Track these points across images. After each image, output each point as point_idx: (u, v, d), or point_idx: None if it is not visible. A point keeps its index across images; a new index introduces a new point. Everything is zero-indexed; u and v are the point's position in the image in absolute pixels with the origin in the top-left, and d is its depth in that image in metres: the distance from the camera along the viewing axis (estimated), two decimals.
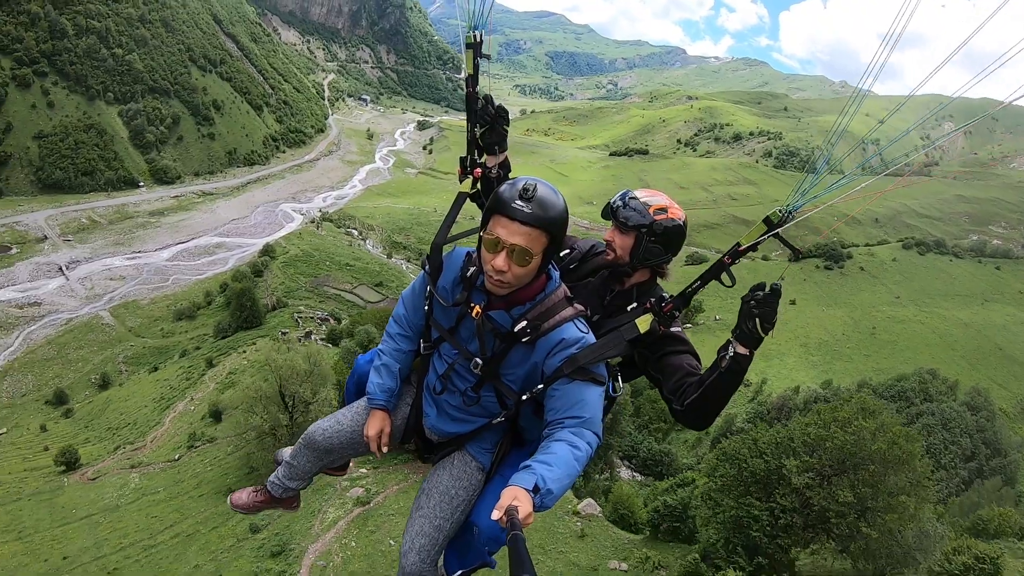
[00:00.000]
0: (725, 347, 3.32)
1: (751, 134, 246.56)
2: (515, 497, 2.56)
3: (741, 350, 3.26)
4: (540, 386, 3.26)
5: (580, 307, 3.32)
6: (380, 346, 3.88)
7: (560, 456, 2.94)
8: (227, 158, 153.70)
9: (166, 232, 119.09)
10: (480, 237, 3.15)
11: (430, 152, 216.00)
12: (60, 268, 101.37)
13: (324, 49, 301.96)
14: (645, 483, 45.86)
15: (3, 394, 75.69)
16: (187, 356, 76.51)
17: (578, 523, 31.09)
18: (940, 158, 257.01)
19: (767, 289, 3.21)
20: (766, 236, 3.37)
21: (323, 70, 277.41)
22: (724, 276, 3.48)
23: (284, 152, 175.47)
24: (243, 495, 4.42)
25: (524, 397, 3.34)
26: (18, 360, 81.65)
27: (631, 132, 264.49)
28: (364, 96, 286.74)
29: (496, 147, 3.93)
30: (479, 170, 3.92)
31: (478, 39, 3.96)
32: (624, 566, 27.49)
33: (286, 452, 4.33)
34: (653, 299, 3.54)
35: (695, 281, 3.52)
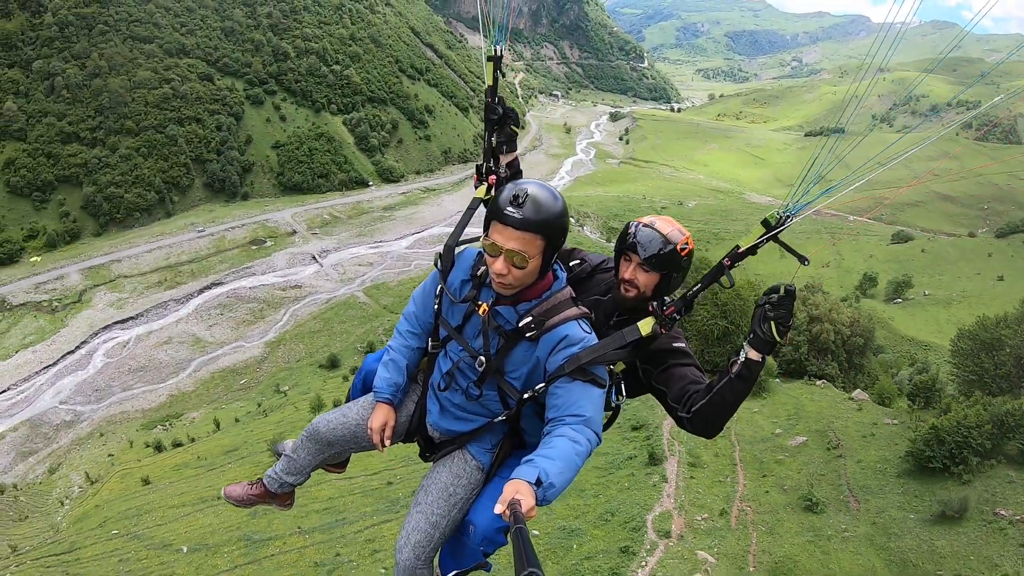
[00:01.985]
0: (736, 352, 3.31)
1: (948, 105, 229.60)
2: (517, 491, 2.54)
3: (754, 355, 3.24)
4: (542, 385, 3.29)
5: (584, 309, 3.37)
6: (390, 342, 3.96)
7: (561, 450, 2.94)
8: (443, 157, 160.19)
9: (401, 224, 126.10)
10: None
11: (627, 142, 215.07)
12: (313, 256, 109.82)
13: (510, 50, 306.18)
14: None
15: (280, 359, 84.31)
16: None
17: (855, 404, 40.93)
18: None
19: (781, 291, 3.18)
20: (764, 239, 3.31)
21: (512, 70, 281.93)
22: (723, 279, 3.42)
23: None
24: (238, 488, 4.41)
25: (525, 396, 3.37)
26: (288, 332, 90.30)
27: (824, 110, 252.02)
28: (555, 92, 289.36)
29: (504, 147, 3.99)
30: (494, 177, 3.94)
31: (499, 53, 4.05)
32: (894, 421, 37.65)
33: (288, 445, 4.36)
34: (655, 302, 3.50)
35: (695, 285, 3.43)
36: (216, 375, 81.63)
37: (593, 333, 3.32)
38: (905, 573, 25.25)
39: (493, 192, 3.89)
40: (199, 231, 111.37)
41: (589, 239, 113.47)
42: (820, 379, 47.16)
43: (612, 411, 3.77)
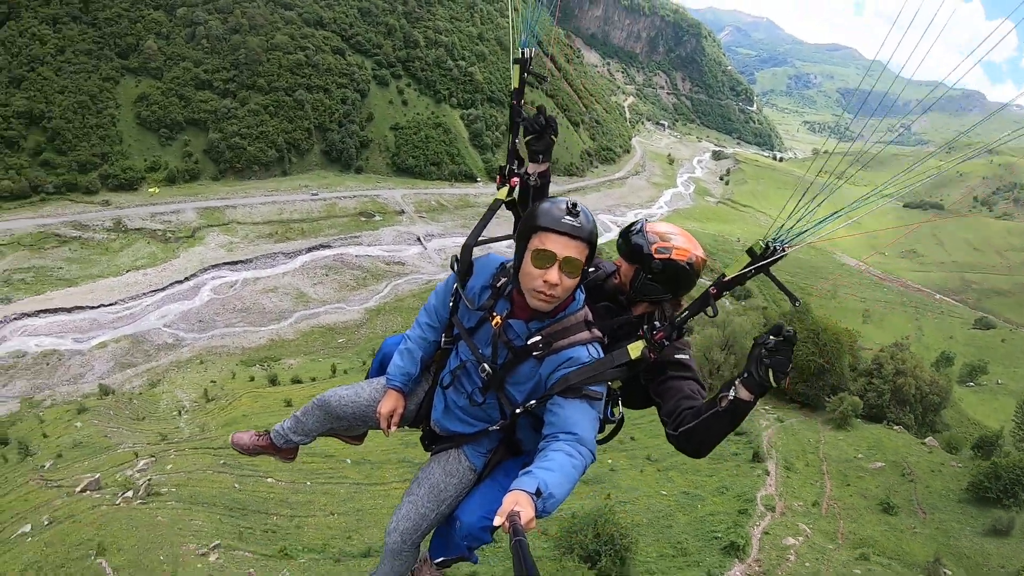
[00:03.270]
0: (728, 386, 3.14)
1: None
2: (517, 502, 2.53)
3: (745, 395, 3.07)
4: (533, 402, 3.32)
5: (598, 333, 3.36)
6: (408, 332, 3.98)
7: (559, 463, 2.93)
8: (551, 167, 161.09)
9: (505, 223, 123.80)
10: (524, 254, 3.18)
11: (727, 183, 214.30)
12: (418, 238, 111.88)
13: (623, 72, 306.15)
14: None
15: (378, 327, 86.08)
16: None
17: (926, 448, 44.78)
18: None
19: (781, 335, 2.95)
20: (750, 269, 3.12)
21: (623, 92, 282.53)
22: (708, 308, 3.28)
23: (597, 168, 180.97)
24: (245, 436, 4.55)
25: (518, 411, 3.40)
26: (388, 304, 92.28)
27: (924, 184, 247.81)
28: (662, 121, 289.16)
29: (541, 155, 4.00)
30: (516, 179, 4.02)
31: (526, 56, 4.10)
32: (959, 464, 41.19)
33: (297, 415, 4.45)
34: (646, 326, 3.43)
35: (684, 311, 3.37)
36: (316, 330, 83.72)
37: (607, 357, 3.31)
38: (960, 560, 29.74)
39: (515, 195, 4.04)
40: (312, 194, 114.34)
41: None
42: (897, 425, 50.84)
43: (616, 424, 3.82)
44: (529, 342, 3.27)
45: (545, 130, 3.95)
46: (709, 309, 3.25)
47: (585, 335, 3.30)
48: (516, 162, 4.12)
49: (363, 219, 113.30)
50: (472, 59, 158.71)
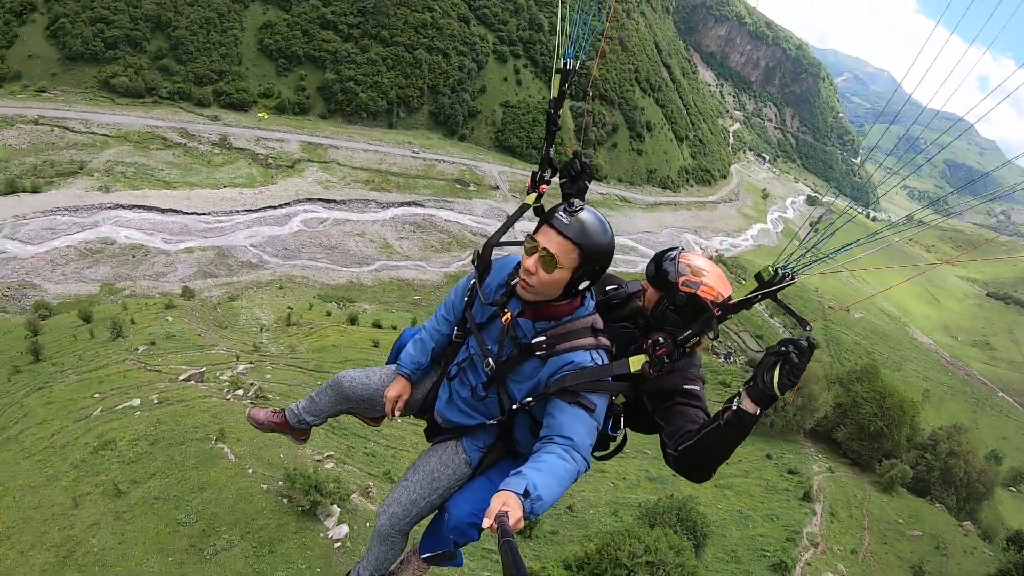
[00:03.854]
0: (731, 399, 3.03)
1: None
2: (505, 503, 2.52)
3: (749, 406, 2.94)
4: (530, 399, 3.28)
5: (604, 341, 3.29)
6: (425, 323, 3.98)
7: (550, 465, 2.90)
8: (647, 175, 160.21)
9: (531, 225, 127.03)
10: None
11: (816, 231, 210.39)
12: (507, 215, 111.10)
13: (734, 97, 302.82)
14: None
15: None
16: None
17: (963, 531, 46.43)
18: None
19: (802, 343, 2.81)
20: (756, 295, 3.00)
21: (731, 117, 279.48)
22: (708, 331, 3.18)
23: (692, 187, 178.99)
24: (261, 412, 4.57)
25: (515, 407, 3.37)
26: (466, 272, 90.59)
27: (1015, 276, 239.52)
28: (764, 155, 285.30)
29: (573, 198, 3.52)
30: (545, 186, 3.97)
31: (569, 67, 4.07)
32: (992, 553, 42.91)
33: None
34: (650, 340, 3.27)
35: (687, 330, 3.18)
36: (394, 281, 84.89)
37: (606, 365, 3.24)
38: None
39: (543, 200, 3.92)
40: (414, 152, 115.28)
41: (755, 308, 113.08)
42: (939, 503, 52.45)
43: (618, 444, 3.72)
44: (533, 341, 3.25)
45: (580, 175, 3.85)
46: (709, 331, 3.18)
47: (589, 341, 3.25)
48: (548, 170, 4.07)
49: (458, 186, 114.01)
50: (592, 53, 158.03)
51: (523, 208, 3.98)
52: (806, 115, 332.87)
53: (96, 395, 22.11)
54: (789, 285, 2.96)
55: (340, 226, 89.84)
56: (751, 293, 3.01)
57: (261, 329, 50.73)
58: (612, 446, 3.73)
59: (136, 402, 20.20)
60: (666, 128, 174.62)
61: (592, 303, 3.41)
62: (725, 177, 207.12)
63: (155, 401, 20.38)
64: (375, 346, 46.17)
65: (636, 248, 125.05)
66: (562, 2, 3.98)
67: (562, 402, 3.13)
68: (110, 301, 54.70)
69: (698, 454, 3.16)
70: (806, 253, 2.96)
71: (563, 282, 3.11)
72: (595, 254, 3.05)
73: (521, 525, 2.49)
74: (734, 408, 2.98)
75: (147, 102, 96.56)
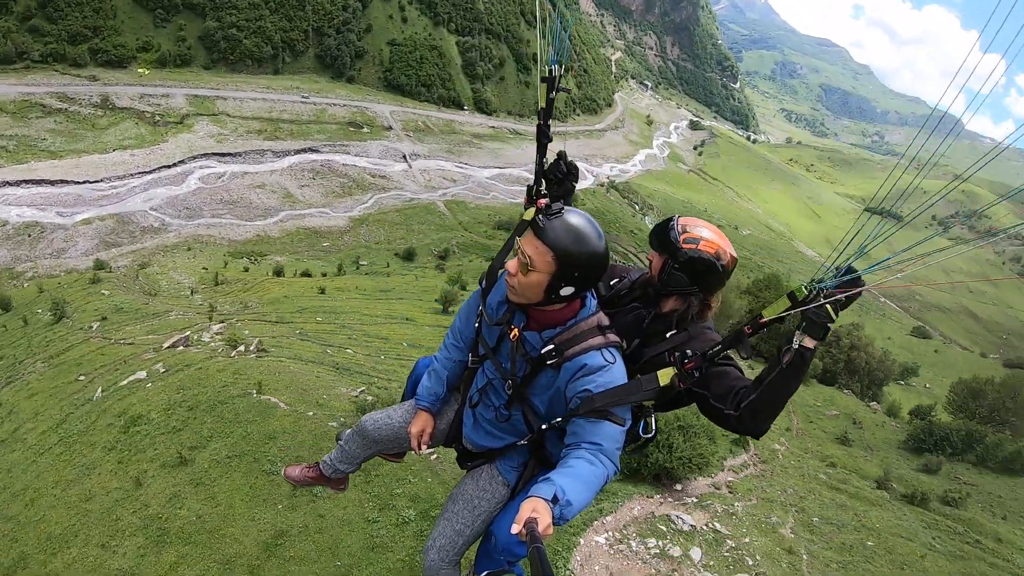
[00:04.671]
0: (788, 340, 3.10)
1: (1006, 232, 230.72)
2: (534, 509, 2.56)
3: (808, 343, 3.05)
4: (559, 420, 3.31)
5: (613, 337, 3.30)
6: (436, 353, 4.05)
7: (579, 471, 2.95)
8: (535, 107, 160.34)
9: (486, 155, 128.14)
10: None
11: (700, 154, 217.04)
12: (404, 156, 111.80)
13: (615, 27, 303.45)
14: None
15: (361, 236, 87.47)
16: None
17: (871, 409, 51.59)
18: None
19: (854, 274, 3.04)
20: (789, 313, 3.07)
21: (612, 46, 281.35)
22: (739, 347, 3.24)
23: (579, 116, 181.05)
24: (296, 470, 4.77)
25: (544, 427, 3.42)
26: (372, 216, 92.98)
27: (887, 193, 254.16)
28: (646, 82, 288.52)
29: (562, 201, 3.61)
30: (543, 200, 3.82)
31: (554, 74, 3.91)
32: (898, 424, 49.30)
33: (346, 433, 4.57)
34: (678, 353, 3.32)
35: (716, 345, 3.26)
36: (301, 231, 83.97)
37: (619, 361, 3.28)
38: (900, 482, 32.47)
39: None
40: (304, 97, 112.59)
41: (648, 229, 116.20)
42: (847, 389, 58.41)
43: (644, 441, 3.68)
44: (543, 351, 3.26)
45: (567, 177, 3.99)
46: (741, 350, 3.24)
47: (599, 340, 3.25)
48: (543, 182, 4.07)
49: (352, 129, 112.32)
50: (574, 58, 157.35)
51: (523, 225, 3.66)
52: (686, 43, 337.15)
53: (81, 377, 21.82)
54: (821, 304, 3.00)
55: (239, 179, 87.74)
56: (784, 312, 3.07)
57: (191, 292, 49.68)
58: (634, 446, 3.70)
59: (142, 374, 20.00)
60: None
61: (594, 302, 3.43)
62: (610, 105, 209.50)
63: (162, 370, 20.19)
64: (322, 292, 46.62)
65: (530, 179, 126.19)
66: (540, 8, 3.88)
67: (587, 419, 3.16)
68: (14, 287, 52.30)
69: (764, 404, 3.19)
70: (842, 269, 3.09)
71: (541, 286, 3.11)
72: (572, 260, 3.02)
73: (551, 531, 2.52)
74: (795, 347, 3.05)
75: (19, 67, 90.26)
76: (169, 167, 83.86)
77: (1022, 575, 19.57)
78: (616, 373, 3.21)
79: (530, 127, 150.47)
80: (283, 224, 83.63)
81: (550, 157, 4.19)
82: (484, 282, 3.67)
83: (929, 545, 19.05)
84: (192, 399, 17.14)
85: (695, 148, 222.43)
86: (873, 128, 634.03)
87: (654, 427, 3.53)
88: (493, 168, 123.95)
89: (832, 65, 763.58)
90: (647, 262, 3.76)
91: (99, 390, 19.68)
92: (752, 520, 15.40)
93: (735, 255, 3.63)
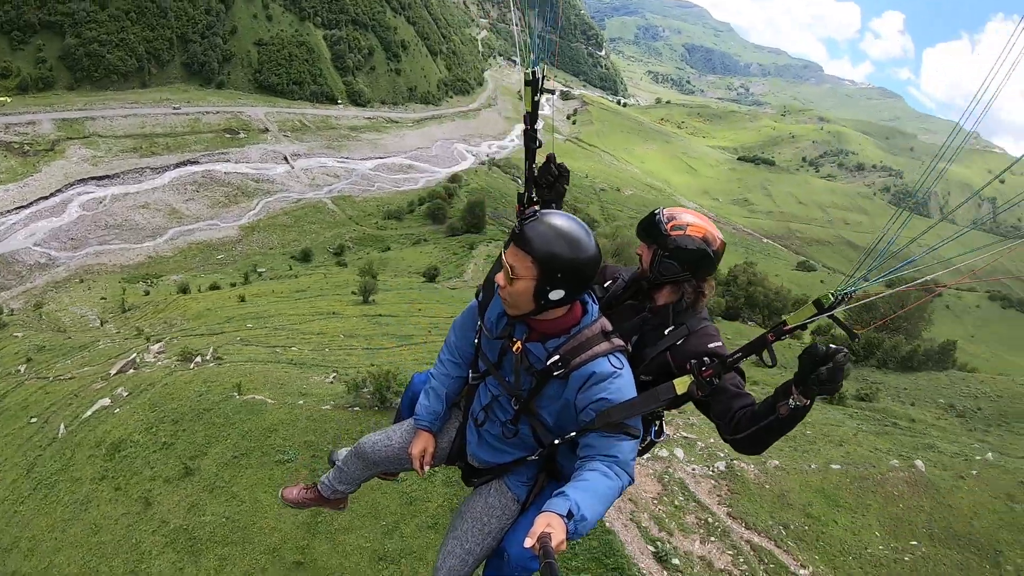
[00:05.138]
0: (787, 392, 3.07)
1: (873, 167, 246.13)
2: (548, 524, 2.49)
3: (804, 401, 3.04)
4: (573, 434, 3.22)
5: (619, 342, 3.22)
6: (431, 369, 3.93)
7: (594, 484, 2.89)
8: (408, 93, 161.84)
9: (366, 146, 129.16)
10: None
11: (574, 122, 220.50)
12: (285, 157, 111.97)
13: (478, 5, 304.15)
14: None
15: (254, 244, 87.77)
16: (429, 243, 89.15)
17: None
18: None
19: (835, 360, 2.92)
20: (815, 319, 3.06)
21: (477, 25, 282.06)
22: (765, 354, 3.23)
23: (452, 98, 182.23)
24: (294, 491, 4.66)
25: (557, 441, 3.32)
26: (262, 221, 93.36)
27: (759, 141, 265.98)
28: (513, 58, 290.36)
29: (553, 204, 3.79)
30: (537, 207, 3.62)
31: (537, 76, 3.78)
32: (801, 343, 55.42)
33: (341, 453, 4.49)
34: (694, 361, 3.30)
35: (737, 352, 3.29)
36: (193, 246, 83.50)
37: (626, 367, 3.22)
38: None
39: None
40: (175, 108, 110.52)
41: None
42: (750, 321, 62.56)
43: (651, 442, 3.80)
44: (548, 363, 3.16)
45: (558, 180, 3.81)
46: (767, 356, 3.20)
47: (605, 346, 3.16)
48: (536, 189, 3.86)
49: (228, 136, 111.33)
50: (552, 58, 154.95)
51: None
52: (550, 16, 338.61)
53: (33, 420, 21.51)
54: (846, 307, 2.98)
55: (120, 201, 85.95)
56: (810, 318, 3.03)
57: (101, 323, 49.25)
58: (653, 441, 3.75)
59: (106, 401, 20.02)
60: (420, 45, 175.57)
61: (596, 307, 3.30)
62: (481, 84, 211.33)
63: (125, 394, 20.26)
64: (242, 300, 47.12)
65: (413, 165, 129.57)
66: (519, 10, 3.92)
67: (602, 433, 3.09)
68: None
69: (761, 442, 3.23)
70: (869, 276, 3.00)
71: (528, 292, 3.01)
72: (553, 262, 2.91)
73: (564, 547, 2.46)
74: (792, 405, 3.01)
75: None
76: (47, 198, 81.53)
77: (937, 441, 22.45)
78: (626, 379, 3.17)
79: (404, 114, 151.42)
80: (173, 242, 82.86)
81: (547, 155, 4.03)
82: (481, 295, 3.58)
83: (857, 428, 21.97)
84: (173, 413, 18.02)
85: (568, 117, 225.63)
86: (738, 81, 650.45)
87: (665, 430, 3.67)
88: (375, 159, 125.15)
89: (693, 25, 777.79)
90: (637, 257, 3.79)
91: (62, 426, 19.84)
92: (709, 427, 16.89)
93: (723, 239, 3.69)
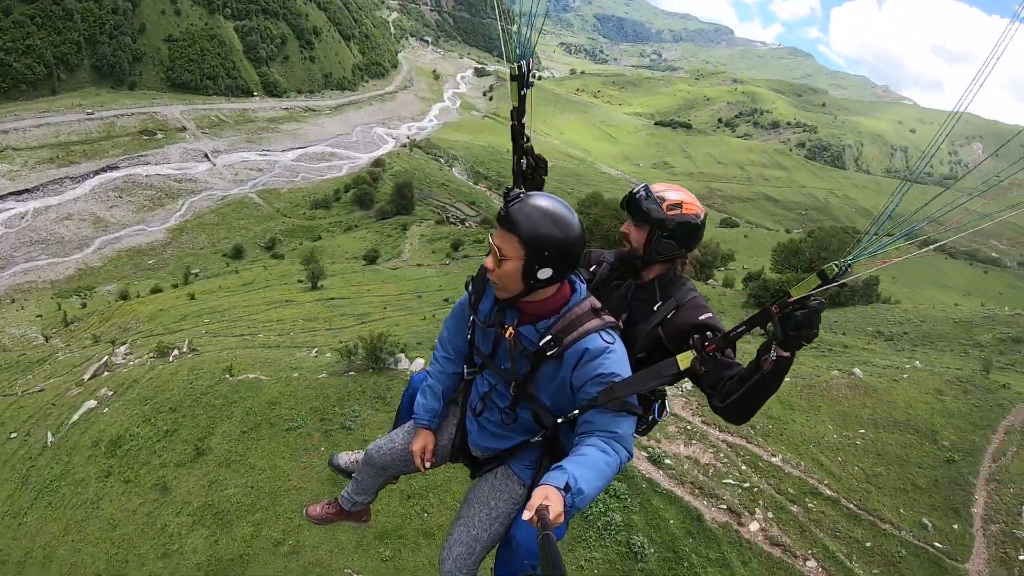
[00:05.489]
0: (768, 348, 3.09)
1: (788, 124, 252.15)
2: (546, 496, 2.48)
3: (784, 354, 3.06)
4: (576, 412, 3.16)
5: (609, 318, 3.23)
6: (428, 368, 3.94)
7: (591, 459, 2.87)
8: (323, 80, 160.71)
9: (286, 137, 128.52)
10: None
11: (490, 99, 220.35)
12: (206, 155, 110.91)
13: None
14: None
15: (184, 245, 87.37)
16: (360, 228, 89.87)
17: (708, 286, 56.07)
18: (962, 174, 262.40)
19: (810, 305, 2.95)
20: (820, 290, 3.00)
21: (387, 7, 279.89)
22: (770, 326, 3.11)
23: (368, 82, 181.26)
24: (318, 508, 4.67)
25: (560, 420, 3.27)
26: (189, 222, 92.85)
27: (675, 105, 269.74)
28: (426, 38, 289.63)
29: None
30: (520, 190, 3.40)
31: (523, 70, 3.67)
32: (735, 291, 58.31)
33: (341, 458, 4.68)
34: (697, 336, 3.28)
35: (740, 326, 3.21)
36: (123, 254, 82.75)
37: (618, 341, 3.21)
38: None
39: None
40: (88, 113, 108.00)
41: (458, 179, 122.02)
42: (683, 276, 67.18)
43: (653, 422, 3.75)
44: (541, 344, 3.16)
45: (536, 171, 3.82)
46: (770, 326, 3.10)
47: (595, 322, 3.16)
48: (523, 183, 3.83)
49: (145, 138, 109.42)
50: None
51: None
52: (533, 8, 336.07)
53: (13, 435, 21.51)
54: (848, 279, 2.98)
55: (43, 215, 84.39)
56: (815, 289, 2.99)
57: (46, 339, 48.94)
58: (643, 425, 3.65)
59: (91, 403, 20.40)
60: (332, 30, 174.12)
61: (584, 286, 3.32)
62: (395, 67, 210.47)
63: (110, 394, 20.54)
64: (192, 298, 47.41)
65: (335, 153, 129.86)
66: (501, 5, 3.81)
67: (604, 409, 3.06)
68: None
69: (746, 404, 3.25)
70: (868, 249, 2.94)
71: (516, 273, 3.03)
72: (539, 241, 2.93)
73: (562, 520, 2.44)
74: (773, 358, 3.05)
75: None
76: None
77: (870, 358, 24.97)
78: (619, 353, 3.17)
79: (321, 102, 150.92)
80: (102, 251, 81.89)
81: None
82: (471, 288, 3.56)
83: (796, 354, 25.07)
84: (168, 402, 18.71)
85: (485, 94, 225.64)
86: (651, 48, 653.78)
87: (668, 409, 3.64)
88: (296, 150, 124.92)
89: None
90: (622, 237, 3.77)
91: (49, 435, 19.96)
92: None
93: (705, 210, 3.73)
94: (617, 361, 3.13)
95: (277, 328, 32.56)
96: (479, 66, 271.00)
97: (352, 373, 18.80)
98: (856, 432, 18.16)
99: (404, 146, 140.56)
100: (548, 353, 3.15)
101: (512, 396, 3.39)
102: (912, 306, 46.90)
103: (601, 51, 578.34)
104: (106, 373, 23.62)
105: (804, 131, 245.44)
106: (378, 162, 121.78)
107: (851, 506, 15.75)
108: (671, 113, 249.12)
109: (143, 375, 21.35)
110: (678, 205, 3.57)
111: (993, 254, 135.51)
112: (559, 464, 2.77)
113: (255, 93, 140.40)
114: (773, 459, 16.66)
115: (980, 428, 18.61)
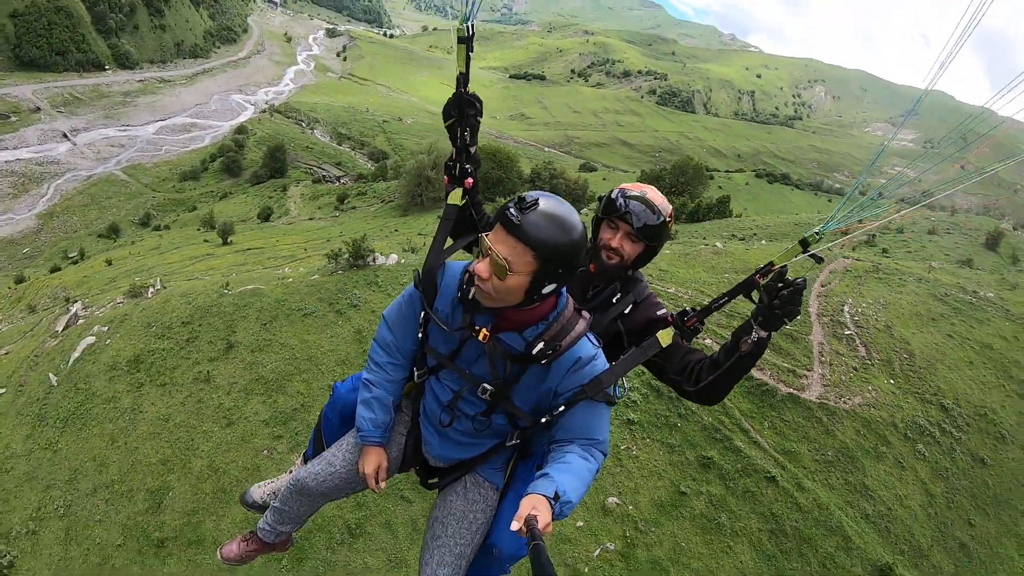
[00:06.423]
0: (747, 330, 3.08)
1: (639, 72, 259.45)
2: (534, 506, 2.39)
3: (763, 334, 3.04)
4: (561, 408, 2.97)
5: (587, 315, 3.04)
6: (366, 375, 3.44)
7: (575, 467, 2.78)
8: (176, 49, 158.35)
9: (145, 110, 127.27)
10: None
11: (345, 59, 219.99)
12: (64, 134, 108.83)
13: None
14: None
15: (57, 230, 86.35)
16: (236, 195, 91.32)
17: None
18: (807, 115, 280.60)
19: (794, 283, 2.94)
20: (799, 257, 3.10)
21: None
22: (755, 293, 3.10)
23: (219, 48, 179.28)
24: (233, 546, 4.15)
25: (544, 420, 3.05)
26: (58, 206, 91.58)
27: (529, 58, 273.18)
28: (274, 0, 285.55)
29: (469, 168, 3.47)
30: (471, 180, 3.46)
31: (470, 32, 3.29)
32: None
33: (255, 493, 4.28)
34: (675, 313, 3.31)
35: (722, 296, 3.21)
36: None
37: (639, 350, 3.17)
38: None
39: (469, 198, 3.52)
40: None
41: (321, 141, 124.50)
42: None
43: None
44: (534, 351, 2.87)
45: (469, 107, 3.38)
46: (755, 294, 3.08)
47: (582, 324, 2.95)
48: (466, 157, 3.44)
49: None
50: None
51: (451, 211, 3.44)
52: None
53: (2, 391, 20.35)
54: (824, 246, 3.02)
55: None
56: (797, 257, 3.07)
57: None
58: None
59: (90, 339, 20.24)
60: None
61: (564, 288, 3.00)
62: (246, 31, 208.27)
63: (105, 329, 20.70)
64: (110, 264, 48.34)
65: (196, 123, 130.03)
66: None
67: (589, 401, 2.94)
68: None
69: (721, 386, 3.21)
70: (839, 216, 3.01)
71: (521, 289, 2.70)
72: (554, 256, 2.60)
73: (550, 529, 2.34)
74: (753, 340, 3.03)
75: None
76: None
77: (747, 257, 29.83)
78: (602, 356, 3.02)
79: (176, 71, 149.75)
80: None
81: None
82: (422, 287, 3.13)
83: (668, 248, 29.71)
84: (176, 320, 19.59)
85: (338, 55, 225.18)
86: (501, 2, 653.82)
87: (627, 386, 3.40)
88: (156, 122, 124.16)
89: None
90: (607, 250, 3.52)
91: (51, 376, 19.35)
92: None
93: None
94: (603, 363, 3.02)
95: (211, 278, 32.02)
96: (330, 27, 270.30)
97: (340, 272, 22.09)
98: (722, 276, 25.38)
99: (264, 112, 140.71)
100: (541, 360, 2.90)
101: (487, 403, 3.10)
102: (760, 218, 55.38)
103: (451, 7, 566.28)
104: (81, 322, 23.41)
105: (655, 79, 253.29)
106: (241, 129, 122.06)
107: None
108: (525, 66, 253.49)
109: (132, 311, 21.53)
110: (667, 208, 3.50)
111: (836, 185, 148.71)
112: (544, 472, 2.69)
113: (107, 67, 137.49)
114: (668, 290, 23.50)
115: (809, 270, 25.65)
